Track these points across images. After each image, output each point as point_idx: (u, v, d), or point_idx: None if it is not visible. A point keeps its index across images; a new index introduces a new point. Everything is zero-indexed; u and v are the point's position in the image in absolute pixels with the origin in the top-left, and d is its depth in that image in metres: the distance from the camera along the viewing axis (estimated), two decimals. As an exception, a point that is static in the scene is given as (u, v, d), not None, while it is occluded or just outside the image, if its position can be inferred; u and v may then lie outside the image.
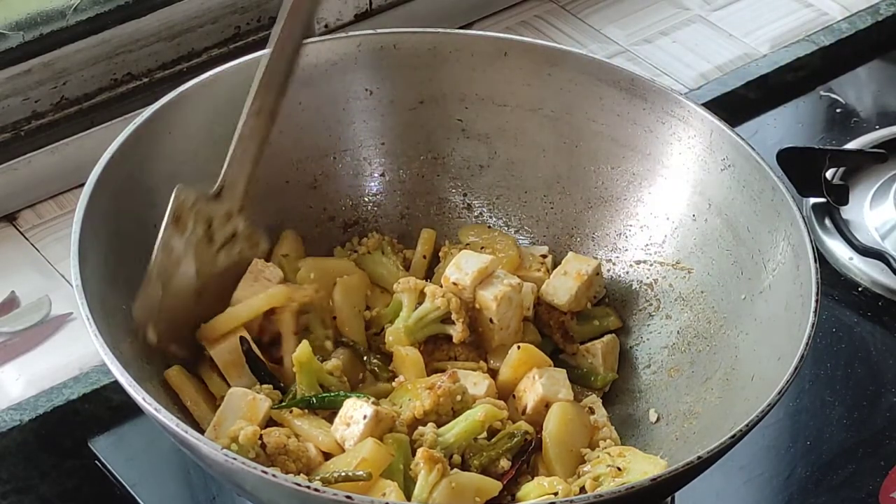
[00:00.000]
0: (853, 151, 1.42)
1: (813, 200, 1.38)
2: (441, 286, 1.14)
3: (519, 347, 1.12)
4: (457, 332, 1.12)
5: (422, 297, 1.13)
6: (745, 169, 1.13)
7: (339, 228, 1.22)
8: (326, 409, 1.07)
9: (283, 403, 1.07)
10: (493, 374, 1.13)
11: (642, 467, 1.04)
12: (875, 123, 1.48)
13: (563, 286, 1.17)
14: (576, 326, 1.17)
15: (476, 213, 1.24)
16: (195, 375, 1.10)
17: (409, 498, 1.01)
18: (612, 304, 1.20)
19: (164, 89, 1.21)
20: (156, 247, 1.06)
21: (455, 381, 1.07)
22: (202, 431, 1.05)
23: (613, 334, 1.17)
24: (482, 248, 1.20)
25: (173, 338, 1.08)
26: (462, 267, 1.13)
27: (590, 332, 1.17)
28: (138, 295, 1.05)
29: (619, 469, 1.05)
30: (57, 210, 1.34)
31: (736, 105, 1.47)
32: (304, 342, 1.08)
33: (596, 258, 1.20)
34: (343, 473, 1.00)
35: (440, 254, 1.20)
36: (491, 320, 1.13)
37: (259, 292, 1.11)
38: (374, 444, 1.01)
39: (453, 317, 1.12)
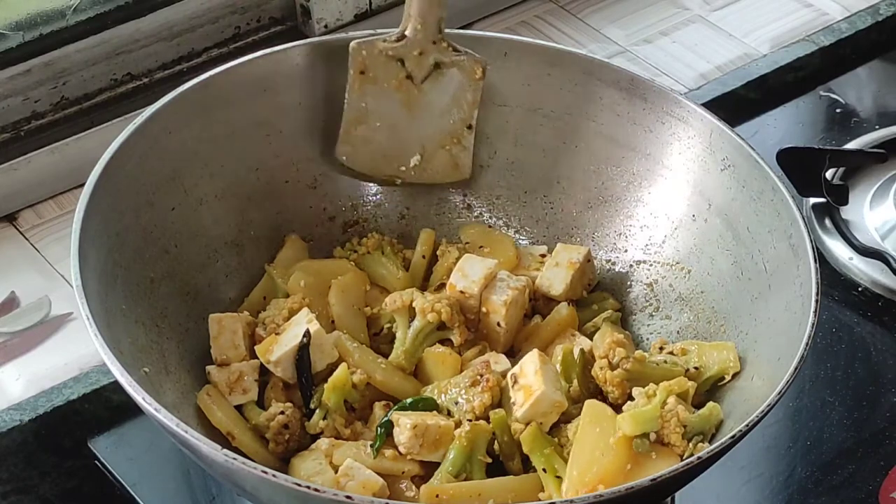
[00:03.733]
0: (853, 151, 1.42)
1: (813, 200, 1.38)
2: (433, 291, 1.15)
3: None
4: (455, 337, 1.12)
5: (412, 311, 1.13)
6: (745, 169, 1.13)
7: (339, 228, 1.22)
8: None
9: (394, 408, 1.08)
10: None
11: (713, 360, 1.09)
12: (875, 123, 1.48)
13: (557, 277, 1.17)
14: (575, 314, 1.17)
15: (476, 213, 1.24)
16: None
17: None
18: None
19: (164, 89, 1.22)
20: (346, 102, 1.17)
21: (490, 370, 1.08)
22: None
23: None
24: (480, 246, 1.20)
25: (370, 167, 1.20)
26: (468, 274, 1.13)
27: (590, 316, 1.17)
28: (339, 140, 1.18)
29: (696, 370, 1.09)
30: (57, 210, 1.34)
31: (736, 105, 1.47)
32: (343, 366, 1.08)
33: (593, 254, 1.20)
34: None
35: (437, 252, 1.20)
36: (499, 324, 1.13)
37: (234, 343, 1.11)
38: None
39: (447, 324, 1.12)
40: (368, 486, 1.02)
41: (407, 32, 1.17)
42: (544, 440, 1.04)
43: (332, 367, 1.09)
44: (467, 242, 1.21)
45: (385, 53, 1.17)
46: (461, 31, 1.26)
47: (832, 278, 1.33)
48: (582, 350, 1.09)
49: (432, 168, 1.20)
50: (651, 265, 1.19)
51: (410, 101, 1.18)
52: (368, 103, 1.18)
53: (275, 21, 1.48)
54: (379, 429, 1.06)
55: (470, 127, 1.19)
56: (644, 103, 1.18)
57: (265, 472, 0.92)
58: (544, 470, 1.03)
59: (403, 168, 1.20)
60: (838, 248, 1.34)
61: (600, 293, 1.19)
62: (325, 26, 1.48)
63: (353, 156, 1.19)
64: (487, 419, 1.06)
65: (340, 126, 1.18)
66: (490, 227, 1.23)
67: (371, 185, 1.23)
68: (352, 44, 1.16)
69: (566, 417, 1.06)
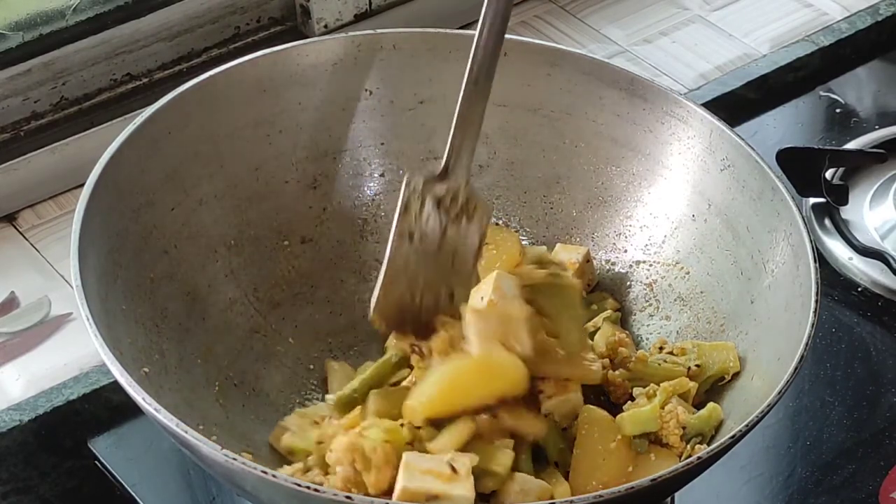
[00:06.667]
0: (853, 151, 1.42)
1: (813, 200, 1.38)
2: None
3: None
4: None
5: None
6: (745, 169, 1.14)
7: (340, 229, 1.22)
8: None
9: None
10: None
11: (713, 360, 1.09)
12: (875, 123, 1.48)
13: None
14: None
15: (476, 213, 1.24)
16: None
17: None
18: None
19: (163, 89, 1.22)
20: (391, 240, 1.06)
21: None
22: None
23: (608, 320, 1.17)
24: (486, 243, 1.20)
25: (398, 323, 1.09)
26: (505, 292, 1.11)
27: (590, 316, 1.17)
28: (378, 292, 1.06)
29: (697, 367, 1.08)
30: (57, 210, 1.34)
31: (736, 105, 1.47)
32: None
33: (592, 254, 1.20)
34: None
35: None
36: None
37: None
38: None
39: None
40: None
41: (450, 168, 1.08)
42: (559, 436, 1.05)
43: None
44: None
45: (425, 192, 1.07)
46: (461, 31, 1.27)
47: (832, 278, 1.33)
48: None
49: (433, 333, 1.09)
50: (651, 265, 1.19)
51: (431, 250, 1.08)
52: (403, 256, 1.07)
53: (275, 21, 1.48)
54: None
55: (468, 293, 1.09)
56: (644, 103, 1.18)
57: (265, 472, 0.92)
58: (556, 464, 1.04)
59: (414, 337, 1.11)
60: (838, 248, 1.34)
61: (600, 293, 1.19)
62: (325, 26, 1.48)
63: (384, 321, 1.08)
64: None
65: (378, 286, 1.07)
66: (496, 224, 1.23)
67: (371, 184, 1.23)
68: (407, 175, 1.07)
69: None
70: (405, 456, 0.99)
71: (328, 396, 1.10)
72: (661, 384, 1.06)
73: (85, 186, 1.07)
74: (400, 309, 1.07)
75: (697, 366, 1.09)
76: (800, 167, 1.35)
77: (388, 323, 1.08)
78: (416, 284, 1.07)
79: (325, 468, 1.04)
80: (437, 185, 1.07)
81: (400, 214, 1.06)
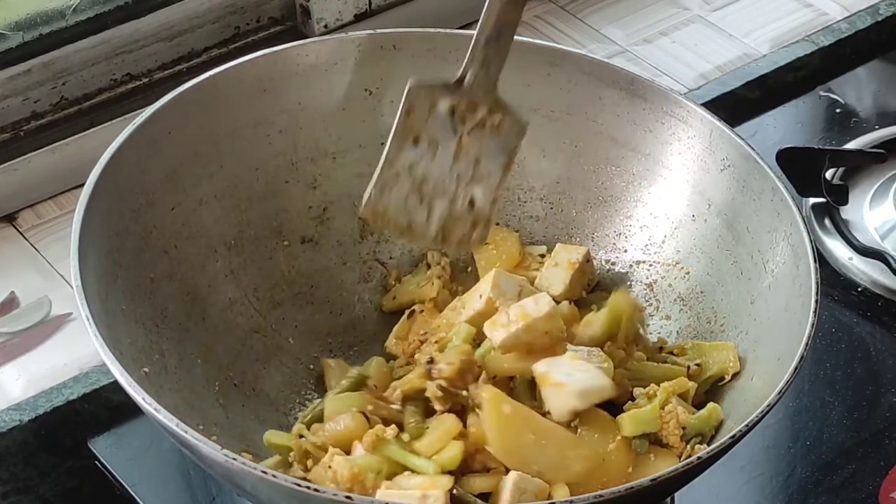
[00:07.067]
0: (853, 151, 1.42)
1: (813, 200, 1.38)
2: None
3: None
4: None
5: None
6: (745, 169, 1.14)
7: (340, 229, 1.22)
8: None
9: None
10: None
11: (713, 360, 1.09)
12: (875, 123, 1.48)
13: (556, 277, 1.17)
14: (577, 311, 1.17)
15: (476, 213, 1.24)
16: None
17: None
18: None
19: (163, 89, 1.22)
20: (389, 140, 1.06)
21: None
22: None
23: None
24: (486, 243, 1.20)
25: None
26: (504, 291, 1.11)
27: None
28: (371, 189, 1.05)
29: (697, 367, 1.08)
30: (57, 210, 1.34)
31: (736, 105, 1.47)
32: None
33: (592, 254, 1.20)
34: None
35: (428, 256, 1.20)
36: None
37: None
38: None
39: None
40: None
41: (466, 78, 1.07)
42: None
43: None
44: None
45: (434, 99, 1.05)
46: (461, 31, 1.26)
47: (832, 278, 1.33)
48: None
49: (452, 239, 1.10)
50: (651, 265, 1.19)
51: (444, 157, 1.07)
52: (405, 158, 1.06)
53: (275, 21, 1.48)
54: None
55: (495, 201, 1.09)
56: (644, 103, 1.18)
57: (265, 472, 0.92)
58: None
59: (423, 240, 1.11)
60: (838, 248, 1.34)
61: (600, 293, 1.19)
62: (325, 26, 1.48)
63: (378, 219, 1.08)
64: None
65: (372, 182, 1.06)
66: (496, 224, 1.23)
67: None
68: (411, 80, 1.06)
69: None
70: (378, 495, 0.98)
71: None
72: (661, 384, 1.06)
73: (85, 186, 1.07)
74: (405, 212, 1.07)
75: (697, 366, 1.09)
76: (800, 167, 1.35)
77: (381, 221, 1.07)
78: (425, 189, 1.06)
79: (306, 462, 1.04)
80: (448, 94, 1.06)
81: (401, 117, 1.05)
